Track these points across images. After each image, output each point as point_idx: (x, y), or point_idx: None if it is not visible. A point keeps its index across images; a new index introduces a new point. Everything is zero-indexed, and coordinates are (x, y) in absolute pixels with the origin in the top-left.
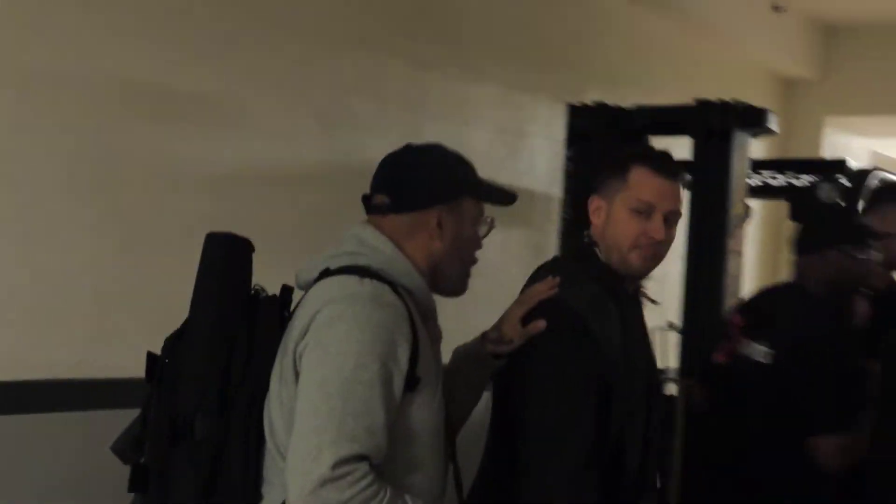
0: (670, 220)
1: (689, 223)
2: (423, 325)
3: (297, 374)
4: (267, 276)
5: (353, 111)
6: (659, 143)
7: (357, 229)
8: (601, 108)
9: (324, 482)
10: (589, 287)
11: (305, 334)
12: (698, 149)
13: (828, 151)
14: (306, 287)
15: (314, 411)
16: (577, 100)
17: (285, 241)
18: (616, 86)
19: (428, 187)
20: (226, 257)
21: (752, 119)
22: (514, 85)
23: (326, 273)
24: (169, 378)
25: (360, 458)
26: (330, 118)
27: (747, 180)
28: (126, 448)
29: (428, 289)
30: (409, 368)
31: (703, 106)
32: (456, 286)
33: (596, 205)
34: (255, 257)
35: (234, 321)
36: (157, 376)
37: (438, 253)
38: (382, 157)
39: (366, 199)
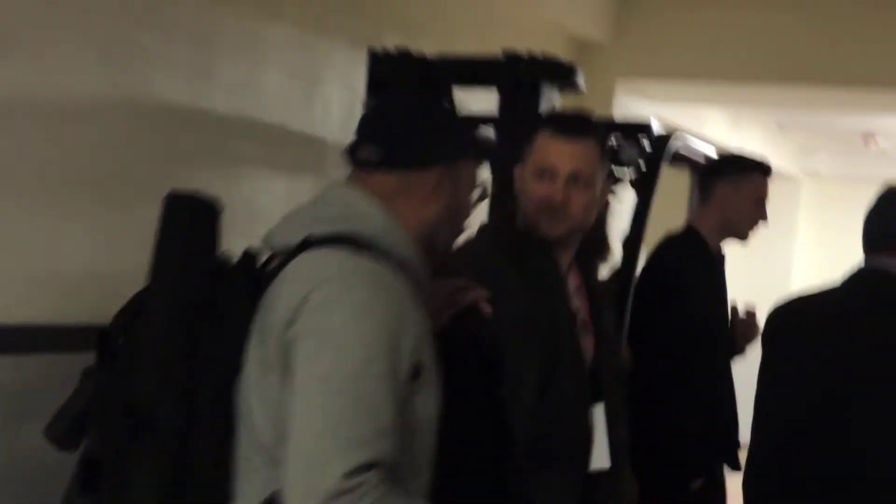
0: (577, 181)
1: (492, 178)
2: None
3: (285, 365)
4: (44, 222)
5: (138, 44)
6: (463, 94)
7: (341, 189)
8: (404, 57)
9: (334, 495)
10: (483, 255)
11: (296, 320)
12: (504, 102)
13: (618, 115)
14: (282, 254)
15: (317, 413)
16: (376, 46)
17: (66, 182)
18: (414, 34)
19: (429, 144)
20: (188, 221)
21: (561, 74)
22: (312, 26)
23: (308, 242)
24: (125, 359)
25: (373, 464)
26: (113, 50)
27: None
28: (63, 433)
29: (422, 261)
30: (414, 357)
31: (511, 58)
32: (442, 258)
33: (517, 173)
34: (28, 202)
35: (199, 295)
36: (110, 357)
37: (430, 219)
38: (172, 93)
39: (350, 150)
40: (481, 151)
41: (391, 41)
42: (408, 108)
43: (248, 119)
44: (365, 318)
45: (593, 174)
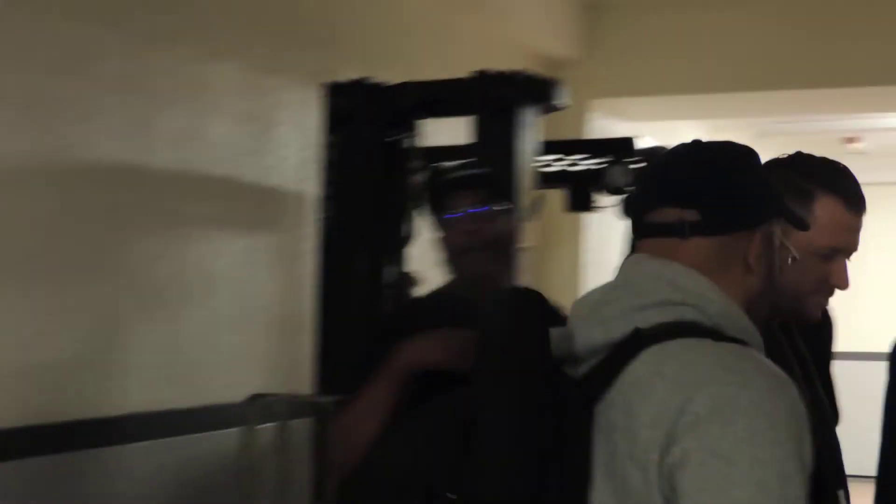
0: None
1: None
2: None
3: (654, 498)
4: None
5: (62, 96)
6: (432, 124)
7: (656, 264)
8: (364, 86)
9: None
10: None
11: (675, 439)
12: (482, 128)
13: (591, 136)
14: (599, 355)
15: None
16: (331, 80)
17: None
18: (373, 65)
19: (751, 202)
20: (525, 325)
21: (541, 92)
22: (260, 66)
23: (644, 337)
24: None
25: None
26: (32, 104)
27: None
28: None
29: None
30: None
31: (485, 78)
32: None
33: (793, 238)
34: None
35: (545, 419)
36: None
37: (753, 291)
38: (106, 150)
39: (638, 213)
40: (788, 209)
41: (348, 75)
42: (717, 162)
43: (194, 173)
44: (770, 424)
45: None
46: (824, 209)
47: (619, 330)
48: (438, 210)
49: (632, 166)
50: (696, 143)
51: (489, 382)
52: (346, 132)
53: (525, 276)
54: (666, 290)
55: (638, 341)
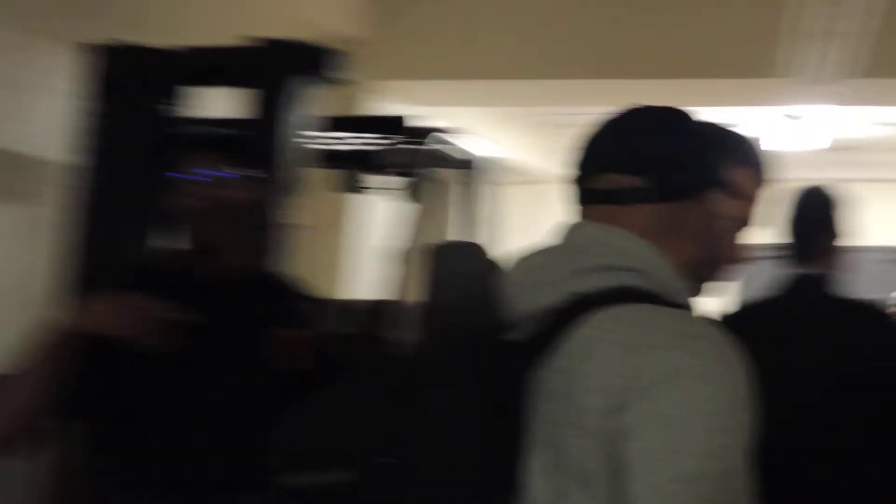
0: None
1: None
2: None
3: (596, 469)
4: None
5: None
6: (215, 94)
7: (599, 229)
8: (135, 51)
9: None
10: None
11: (620, 407)
12: (254, 97)
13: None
14: (536, 321)
15: None
16: (90, 43)
17: None
18: (147, 35)
19: (698, 169)
20: (480, 281)
21: (313, 62)
22: (11, 25)
23: (586, 302)
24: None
25: None
26: None
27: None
28: None
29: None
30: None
31: (274, 46)
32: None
33: (719, 202)
34: None
35: (487, 386)
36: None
37: (694, 258)
38: None
39: (582, 180)
40: (725, 179)
41: (111, 37)
42: (661, 128)
43: None
44: (720, 390)
45: None
46: (737, 180)
47: (560, 294)
48: (172, 170)
49: (402, 147)
50: (639, 108)
51: (433, 346)
52: (109, 98)
53: (287, 255)
54: (609, 255)
55: (582, 306)
